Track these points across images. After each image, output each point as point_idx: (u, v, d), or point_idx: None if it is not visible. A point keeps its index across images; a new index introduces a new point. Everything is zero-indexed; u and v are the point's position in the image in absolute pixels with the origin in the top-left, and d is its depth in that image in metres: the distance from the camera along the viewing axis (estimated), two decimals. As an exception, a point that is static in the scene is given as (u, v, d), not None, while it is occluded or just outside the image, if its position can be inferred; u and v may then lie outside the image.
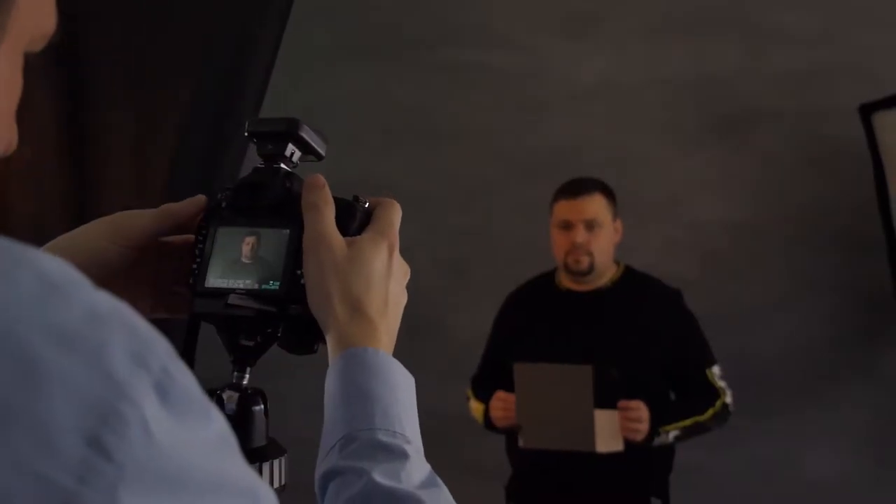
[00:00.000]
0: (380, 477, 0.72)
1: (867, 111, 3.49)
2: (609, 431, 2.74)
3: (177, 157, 2.35)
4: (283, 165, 0.87)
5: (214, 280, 0.85)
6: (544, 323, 2.98)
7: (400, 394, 0.79)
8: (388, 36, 4.12)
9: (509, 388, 2.86)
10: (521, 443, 2.85)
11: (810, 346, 3.84)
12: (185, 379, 0.48)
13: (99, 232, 0.85)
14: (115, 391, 0.44)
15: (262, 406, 0.84)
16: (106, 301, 0.48)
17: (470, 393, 3.03)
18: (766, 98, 3.91)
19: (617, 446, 2.75)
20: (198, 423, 0.48)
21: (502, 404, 2.86)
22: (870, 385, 3.80)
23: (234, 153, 2.39)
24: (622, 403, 2.75)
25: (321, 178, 0.84)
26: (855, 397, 3.80)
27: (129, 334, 0.46)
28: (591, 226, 2.90)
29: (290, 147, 0.87)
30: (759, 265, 3.91)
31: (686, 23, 3.96)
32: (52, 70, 2.18)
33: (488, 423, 2.92)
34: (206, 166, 2.37)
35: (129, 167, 2.32)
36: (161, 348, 0.47)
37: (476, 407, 2.99)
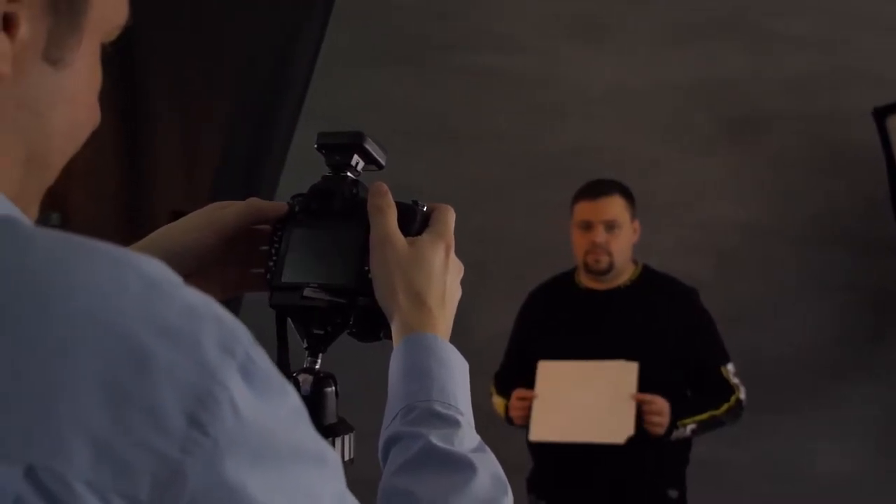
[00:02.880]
0: (436, 440, 0.81)
1: (881, 115, 3.55)
2: (620, 418, 2.81)
3: (222, 161, 2.43)
4: (348, 174, 0.97)
5: (290, 275, 0.94)
6: (564, 320, 3.05)
7: (455, 374, 0.88)
8: (408, 42, 4.17)
9: (530, 384, 2.95)
10: (530, 436, 2.93)
11: (821, 344, 3.90)
12: (264, 362, 0.55)
13: (192, 225, 0.93)
14: (208, 376, 0.52)
15: (333, 388, 0.93)
16: (197, 296, 0.55)
17: (493, 389, 3.12)
18: (777, 101, 3.97)
19: (629, 431, 2.80)
20: (276, 399, 0.55)
21: (519, 403, 2.95)
22: (879, 383, 3.85)
23: (276, 157, 2.47)
24: (638, 397, 2.82)
25: (384, 186, 0.93)
26: (865, 395, 3.86)
27: (218, 326, 0.53)
28: (610, 226, 2.96)
29: (356, 157, 0.97)
30: (771, 265, 3.97)
31: (697, 28, 4.02)
32: (107, 82, 2.25)
33: (509, 418, 3.01)
34: (250, 169, 2.46)
35: (178, 171, 2.41)
36: (244, 337, 0.54)
37: (498, 402, 3.06)
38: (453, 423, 0.84)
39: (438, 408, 0.84)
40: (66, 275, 0.52)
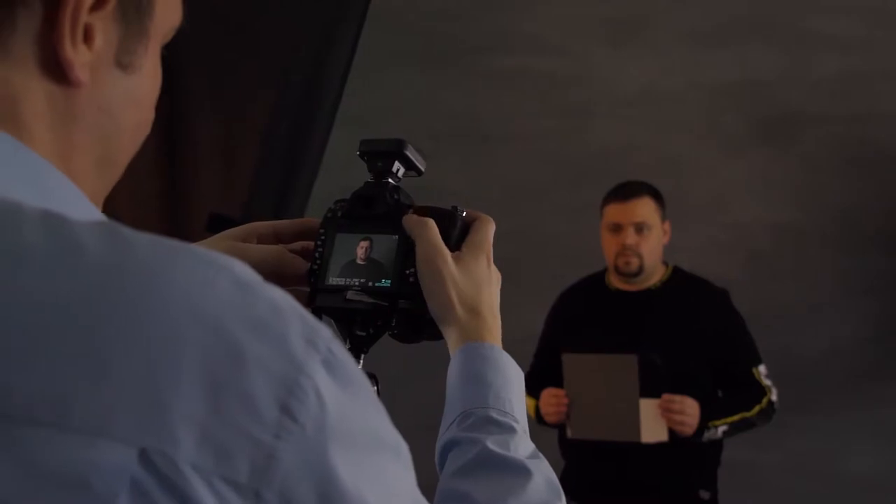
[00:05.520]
0: (493, 445, 0.85)
1: None
2: (654, 421, 2.82)
3: (260, 163, 2.47)
4: (390, 180, 1.00)
5: (333, 278, 0.97)
6: (594, 322, 3.07)
7: (511, 382, 0.91)
8: (438, 43, 4.21)
9: (560, 384, 2.97)
10: (569, 433, 2.96)
11: (851, 345, 3.90)
12: (344, 356, 0.59)
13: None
14: (296, 368, 0.56)
15: (376, 387, 0.96)
16: (281, 295, 0.59)
17: (522, 389, 3.13)
18: (808, 102, 3.97)
19: (661, 436, 2.83)
20: (356, 390, 0.59)
21: (553, 400, 2.97)
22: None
23: (312, 159, 2.50)
24: (666, 396, 2.82)
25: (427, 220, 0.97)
26: (895, 396, 3.86)
27: (301, 322, 0.58)
28: (640, 228, 2.97)
29: (397, 164, 1.00)
30: (802, 266, 3.97)
31: (729, 28, 4.03)
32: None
33: (540, 418, 3.02)
34: (286, 171, 2.49)
35: (216, 174, 2.45)
36: (324, 332, 0.58)
37: (528, 403, 3.08)
38: (509, 430, 0.87)
39: (495, 415, 0.88)
40: (166, 277, 0.56)
